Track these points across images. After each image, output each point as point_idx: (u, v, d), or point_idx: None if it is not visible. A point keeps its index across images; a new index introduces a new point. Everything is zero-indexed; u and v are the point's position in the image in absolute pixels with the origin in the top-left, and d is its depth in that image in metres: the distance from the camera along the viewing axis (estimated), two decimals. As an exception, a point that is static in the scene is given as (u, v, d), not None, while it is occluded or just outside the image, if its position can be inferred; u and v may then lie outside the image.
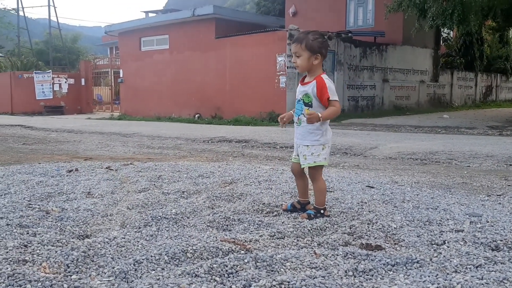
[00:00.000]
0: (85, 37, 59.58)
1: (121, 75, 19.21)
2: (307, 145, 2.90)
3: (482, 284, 1.83)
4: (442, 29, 18.57)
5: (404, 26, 16.54)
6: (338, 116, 12.52)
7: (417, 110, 17.24)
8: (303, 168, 2.97)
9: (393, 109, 16.83)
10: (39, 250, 2.17)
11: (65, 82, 22.69)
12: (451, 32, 21.17)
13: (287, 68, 13.28)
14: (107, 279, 1.87)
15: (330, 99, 2.81)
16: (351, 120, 13.33)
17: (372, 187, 3.89)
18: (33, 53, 32.70)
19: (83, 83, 22.97)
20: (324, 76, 2.86)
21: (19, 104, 21.80)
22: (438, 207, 3.17)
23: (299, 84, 2.99)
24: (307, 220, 2.82)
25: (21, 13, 32.82)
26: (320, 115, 2.78)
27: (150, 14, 23.04)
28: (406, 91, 17.81)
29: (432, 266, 2.06)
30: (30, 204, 3.16)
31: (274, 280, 1.82)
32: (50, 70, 23.88)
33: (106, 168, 4.86)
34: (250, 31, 14.74)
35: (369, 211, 3.03)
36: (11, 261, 2.00)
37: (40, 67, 26.29)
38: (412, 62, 17.79)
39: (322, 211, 2.92)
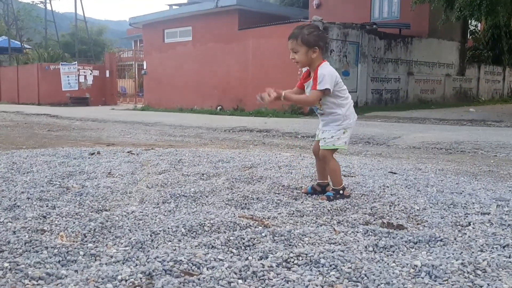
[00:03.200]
0: (110, 30, 60.30)
1: (144, 67, 19.34)
2: (329, 130, 2.88)
3: (510, 262, 1.75)
4: (469, 22, 18.11)
5: (430, 18, 16.19)
6: (362, 109, 12.16)
7: (442, 104, 16.87)
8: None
9: (417, 102, 16.51)
10: (57, 221, 2.19)
11: (90, 74, 22.97)
12: (479, 25, 20.64)
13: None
14: (124, 248, 1.86)
15: (316, 88, 2.77)
16: (375, 113, 13.12)
17: (395, 173, 3.81)
18: (59, 45, 33.18)
19: (107, 75, 23.22)
20: (322, 65, 2.82)
21: (45, 95, 22.18)
22: (463, 191, 3.07)
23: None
24: (327, 201, 2.77)
25: (48, 7, 33.40)
26: (283, 94, 2.76)
27: (174, 7, 23.09)
28: (432, 84, 17.45)
29: (456, 244, 1.98)
30: (51, 181, 3.20)
31: (291, 252, 1.78)
32: (76, 62, 24.20)
33: (128, 152, 4.89)
34: (274, 22, 14.63)
35: (391, 194, 2.95)
36: (29, 229, 2.01)
37: (66, 59, 26.60)
38: (438, 55, 17.41)
39: (341, 192, 2.87)
